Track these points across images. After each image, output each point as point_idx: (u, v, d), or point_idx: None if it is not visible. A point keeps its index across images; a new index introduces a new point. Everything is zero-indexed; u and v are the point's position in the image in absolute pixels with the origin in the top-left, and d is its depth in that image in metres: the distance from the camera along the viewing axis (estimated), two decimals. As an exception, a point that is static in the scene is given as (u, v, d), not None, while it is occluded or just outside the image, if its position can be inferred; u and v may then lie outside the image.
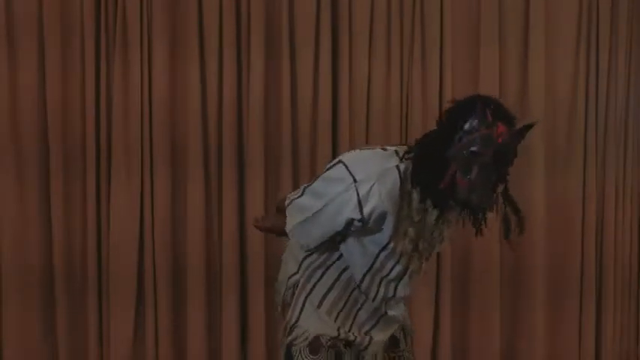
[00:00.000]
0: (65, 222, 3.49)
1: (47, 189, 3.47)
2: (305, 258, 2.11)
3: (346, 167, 1.93)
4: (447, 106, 1.90)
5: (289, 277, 2.16)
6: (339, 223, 1.94)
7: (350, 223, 1.93)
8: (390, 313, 2.11)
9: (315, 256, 2.09)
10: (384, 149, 1.99)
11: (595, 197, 3.66)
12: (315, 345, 2.06)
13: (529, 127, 1.85)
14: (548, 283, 3.67)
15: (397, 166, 1.90)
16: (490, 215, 1.91)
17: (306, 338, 2.07)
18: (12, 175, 3.45)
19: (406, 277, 2.04)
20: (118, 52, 3.43)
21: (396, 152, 1.96)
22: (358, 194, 1.89)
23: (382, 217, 1.91)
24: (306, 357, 2.07)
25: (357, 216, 1.90)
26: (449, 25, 3.54)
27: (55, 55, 3.43)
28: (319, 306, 2.09)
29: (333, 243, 2.04)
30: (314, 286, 2.10)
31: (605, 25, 3.60)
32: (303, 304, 2.11)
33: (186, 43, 3.47)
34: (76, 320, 3.54)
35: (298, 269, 2.13)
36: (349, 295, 2.08)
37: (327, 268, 2.08)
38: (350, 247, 2.02)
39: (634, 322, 3.77)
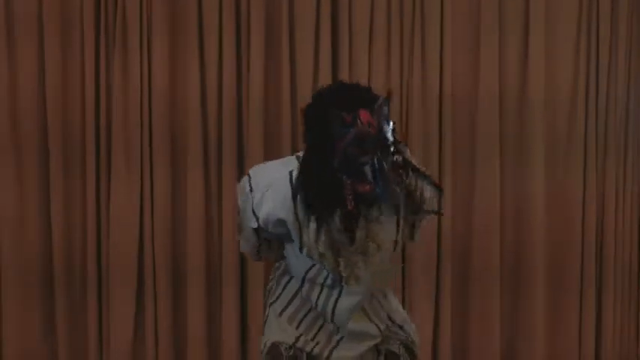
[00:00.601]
0: (65, 219, 3.48)
1: (47, 186, 3.47)
2: (275, 263, 2.13)
3: (248, 178, 1.95)
4: (301, 114, 1.85)
5: (269, 280, 2.18)
6: (251, 233, 1.98)
7: (255, 231, 1.96)
8: (337, 321, 2.02)
9: (279, 263, 2.10)
10: (293, 155, 1.97)
11: (595, 195, 3.65)
12: (273, 353, 2.01)
13: (388, 97, 1.78)
14: (549, 281, 3.66)
15: (290, 172, 1.86)
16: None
17: (265, 346, 2.05)
18: (11, 172, 3.46)
19: (347, 287, 1.95)
20: (118, 48, 3.43)
21: (297, 157, 1.92)
22: (252, 203, 1.90)
23: (281, 224, 1.89)
24: None
25: (254, 224, 1.92)
26: (449, 21, 3.55)
27: (55, 51, 3.43)
28: (281, 314, 2.05)
29: (275, 251, 2.06)
30: (280, 293, 2.08)
31: (605, 21, 3.60)
32: (268, 312, 2.11)
33: (186, 40, 3.48)
34: (76, 318, 3.53)
35: (273, 274, 2.15)
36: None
37: (292, 275, 2.06)
38: (287, 252, 2.02)
39: (634, 320, 3.75)
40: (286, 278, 2.07)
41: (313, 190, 1.78)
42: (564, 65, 3.63)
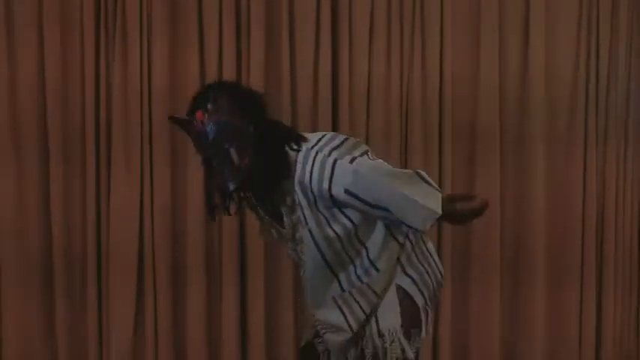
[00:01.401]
0: (65, 217, 3.49)
1: (47, 184, 3.48)
2: None
3: None
4: None
5: None
6: None
7: None
8: (316, 313, 2.17)
9: None
10: None
11: (595, 188, 3.65)
12: None
13: (218, 87, 1.92)
14: (549, 273, 3.65)
15: None
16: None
17: None
18: (11, 170, 3.46)
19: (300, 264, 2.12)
20: (118, 44, 3.43)
21: None
22: None
23: None
24: None
25: None
26: (449, 18, 3.54)
27: (55, 47, 3.44)
28: None
29: None
30: None
31: (606, 8, 3.60)
32: None
33: (186, 36, 3.48)
34: (75, 316, 3.54)
35: None
36: None
37: None
38: None
39: (634, 312, 3.76)
40: None
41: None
42: (564, 61, 3.62)
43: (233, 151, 1.86)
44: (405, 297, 2.09)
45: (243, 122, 1.88)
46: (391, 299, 2.09)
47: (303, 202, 1.93)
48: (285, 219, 2.00)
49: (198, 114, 1.88)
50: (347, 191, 1.87)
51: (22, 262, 3.50)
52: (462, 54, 3.60)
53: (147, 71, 3.46)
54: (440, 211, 1.90)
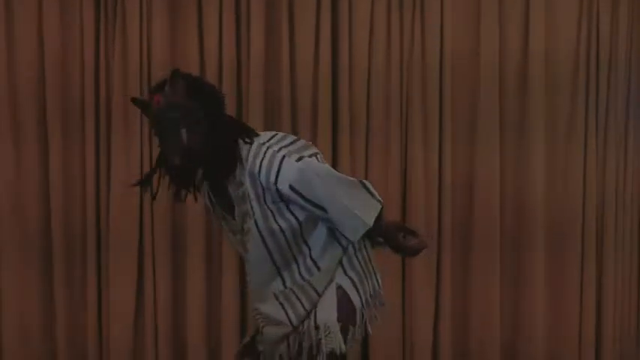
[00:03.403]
0: (64, 192, 3.49)
1: (46, 159, 3.48)
2: None
3: None
4: None
5: None
6: None
7: None
8: (258, 307, 2.23)
9: None
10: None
11: (596, 162, 3.63)
12: None
13: (171, 75, 2.01)
14: (549, 250, 3.64)
15: None
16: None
17: None
18: (9, 141, 3.46)
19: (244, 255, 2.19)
20: (118, 19, 3.43)
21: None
22: None
23: None
24: None
25: None
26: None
27: (54, 23, 3.43)
28: None
29: None
30: None
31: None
32: None
33: (186, 10, 3.47)
34: (74, 291, 3.55)
35: None
36: None
37: None
38: None
39: (635, 288, 3.77)
40: None
41: None
42: (565, 38, 3.60)
43: (183, 132, 1.97)
44: (343, 295, 2.18)
45: (195, 108, 2.00)
46: (330, 296, 2.17)
47: (252, 194, 2.03)
48: (236, 210, 2.08)
49: (156, 97, 2.00)
50: (291, 187, 1.99)
51: (21, 240, 3.50)
52: (462, 32, 3.58)
53: (146, 46, 3.44)
54: (371, 223, 2.05)
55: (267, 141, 2.04)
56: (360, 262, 2.24)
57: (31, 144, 3.47)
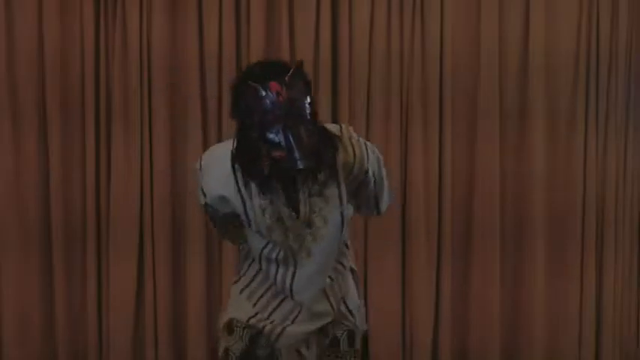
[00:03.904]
0: (64, 181, 3.49)
1: (45, 148, 3.47)
2: (239, 246, 2.20)
3: (200, 157, 2.03)
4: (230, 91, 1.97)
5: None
6: (202, 209, 2.08)
7: (205, 209, 2.05)
8: (310, 307, 2.09)
9: (242, 245, 2.16)
10: None
11: (596, 154, 3.63)
12: (228, 329, 2.14)
13: (299, 66, 1.88)
14: (549, 242, 3.65)
15: (231, 151, 1.95)
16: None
17: (223, 321, 2.15)
18: (9, 131, 3.45)
19: (300, 261, 2.03)
20: (119, 7, 3.42)
21: None
22: (201, 180, 2.00)
23: (224, 201, 1.98)
24: (224, 339, 2.14)
25: (203, 201, 2.02)
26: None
27: (54, 9, 3.42)
28: (241, 292, 2.14)
29: (234, 232, 2.10)
30: (242, 275, 2.16)
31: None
32: (230, 290, 2.20)
33: (186, 1, 3.47)
34: (74, 281, 3.55)
35: (238, 259, 2.22)
36: (271, 284, 2.10)
37: (254, 258, 2.11)
38: (248, 234, 2.07)
39: (634, 281, 3.76)
40: (249, 261, 2.14)
41: (242, 161, 1.91)
42: (565, 30, 3.60)
43: (303, 130, 1.83)
44: (355, 277, 2.23)
45: (308, 104, 1.89)
46: (350, 280, 2.20)
47: (343, 184, 1.99)
48: (301, 205, 1.96)
49: (274, 84, 1.83)
50: (373, 174, 2.00)
51: (21, 233, 3.50)
52: (463, 25, 3.58)
53: (146, 40, 3.44)
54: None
55: (346, 130, 1.97)
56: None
57: (30, 136, 3.47)
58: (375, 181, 2.01)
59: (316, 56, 3.50)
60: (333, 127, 1.99)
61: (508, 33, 3.58)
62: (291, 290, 2.06)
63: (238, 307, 2.14)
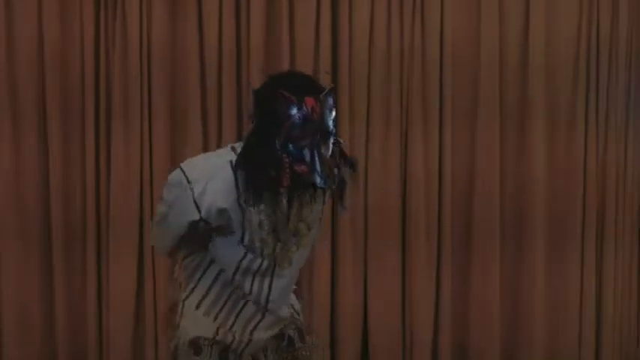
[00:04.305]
0: (63, 175, 3.48)
1: (45, 145, 3.47)
2: (184, 258, 2.11)
3: (182, 170, 1.92)
4: (251, 98, 1.92)
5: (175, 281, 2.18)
6: (183, 225, 1.94)
7: (193, 225, 1.93)
8: (276, 313, 2.09)
9: (192, 256, 2.08)
10: (228, 147, 2.00)
11: (596, 152, 3.63)
12: (194, 348, 2.06)
13: (332, 88, 1.88)
14: (549, 240, 3.65)
15: (230, 161, 1.89)
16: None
17: (185, 341, 2.07)
18: (9, 127, 3.44)
19: (279, 271, 2.02)
20: (119, 3, 3.42)
21: (233, 148, 1.96)
22: (194, 195, 1.88)
23: (222, 214, 1.90)
24: (190, 359, 2.06)
25: (196, 216, 1.90)
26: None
27: (54, 6, 3.42)
28: (197, 307, 2.06)
29: (201, 243, 2.03)
30: (194, 288, 2.08)
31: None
32: (183, 306, 2.10)
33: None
34: (74, 280, 3.54)
35: (180, 271, 2.14)
36: (230, 293, 2.05)
37: (206, 269, 2.06)
38: (217, 246, 2.00)
39: (635, 279, 3.76)
40: (199, 272, 2.07)
41: (253, 167, 1.85)
42: (565, 25, 3.60)
43: (325, 149, 1.85)
44: None
45: (333, 123, 1.89)
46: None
47: (326, 197, 2.05)
48: (292, 215, 1.94)
49: (310, 100, 1.82)
50: None
51: (21, 229, 3.49)
52: (463, 22, 3.58)
53: (146, 36, 3.44)
54: None
55: None
56: None
57: (30, 135, 3.46)
58: None
59: (316, 54, 3.49)
60: None
61: (508, 32, 3.59)
62: (267, 301, 2.05)
63: (197, 323, 2.06)
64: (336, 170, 1.88)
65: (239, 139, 3.43)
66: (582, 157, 3.62)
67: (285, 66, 3.45)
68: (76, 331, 3.56)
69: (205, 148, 3.49)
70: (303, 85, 1.86)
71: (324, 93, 1.83)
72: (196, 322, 2.06)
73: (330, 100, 1.85)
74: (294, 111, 1.80)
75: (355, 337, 3.63)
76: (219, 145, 3.48)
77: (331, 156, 1.85)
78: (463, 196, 3.63)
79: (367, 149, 3.57)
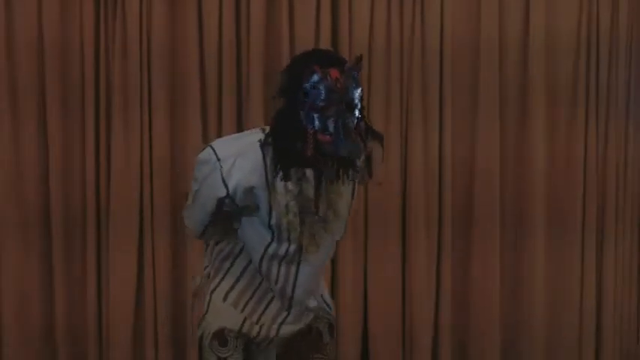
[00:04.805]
0: (63, 166, 3.48)
1: (44, 133, 3.46)
2: (214, 247, 2.14)
3: (212, 148, 1.96)
4: (281, 72, 1.93)
5: (205, 268, 2.20)
6: (212, 203, 1.97)
7: (221, 202, 1.96)
8: (303, 303, 2.10)
9: (222, 244, 2.11)
10: (258, 128, 2.03)
11: (597, 140, 3.63)
12: (219, 339, 2.09)
13: (358, 60, 1.86)
14: (549, 228, 3.65)
15: (259, 140, 1.92)
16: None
17: (209, 332, 2.10)
18: (8, 118, 3.44)
19: (305, 256, 2.03)
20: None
21: (262, 129, 1.99)
22: (222, 172, 1.92)
23: (249, 192, 1.93)
24: (215, 350, 2.09)
25: (223, 193, 1.93)
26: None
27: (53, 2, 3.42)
28: (225, 298, 2.10)
29: (230, 229, 2.06)
30: (222, 278, 2.11)
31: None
32: (210, 297, 2.13)
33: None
34: (73, 272, 3.54)
35: (210, 260, 2.17)
36: (259, 285, 2.09)
37: (236, 258, 2.09)
38: (245, 230, 2.03)
39: (635, 270, 3.77)
40: (227, 264, 2.11)
41: (280, 140, 1.87)
42: (565, 17, 3.59)
43: (351, 121, 1.84)
44: None
45: (360, 97, 1.88)
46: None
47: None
48: (321, 200, 1.96)
49: (334, 71, 1.82)
50: None
51: (20, 221, 3.48)
52: (463, 12, 3.57)
53: (146, 25, 3.42)
54: None
55: None
56: None
57: (30, 125, 3.45)
58: None
59: (316, 44, 3.46)
60: None
61: (508, 25, 3.58)
62: (293, 290, 2.06)
63: (225, 315, 2.10)
64: (362, 144, 1.86)
65: (239, 130, 3.46)
66: (583, 147, 3.62)
67: (285, 58, 3.43)
68: (75, 324, 3.56)
69: (205, 140, 3.47)
70: (328, 58, 1.87)
71: (348, 65, 1.84)
72: (223, 312, 2.09)
73: (356, 74, 1.85)
74: (318, 81, 1.81)
75: (355, 327, 3.64)
76: (219, 136, 3.46)
77: (356, 129, 1.84)
78: (463, 189, 3.63)
79: (367, 139, 3.54)
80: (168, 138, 3.50)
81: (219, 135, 3.46)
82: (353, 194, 2.05)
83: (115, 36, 3.42)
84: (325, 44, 3.47)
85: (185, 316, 3.57)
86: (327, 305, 2.23)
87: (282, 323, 2.11)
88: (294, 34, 3.49)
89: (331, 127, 1.80)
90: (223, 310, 2.09)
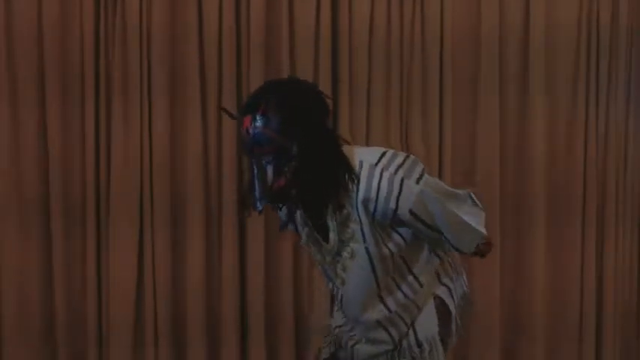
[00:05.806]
0: (62, 154, 3.45)
1: (43, 121, 3.44)
2: None
3: None
4: None
5: None
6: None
7: None
8: (357, 319, 2.12)
9: None
10: None
11: (596, 129, 3.64)
12: (327, 329, 2.33)
13: (292, 91, 1.84)
14: (549, 218, 3.66)
15: None
16: None
17: (327, 322, 2.34)
18: (7, 106, 3.42)
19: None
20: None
21: None
22: None
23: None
24: (322, 336, 2.37)
25: None
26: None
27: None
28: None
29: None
30: None
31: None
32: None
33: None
34: (73, 262, 3.51)
35: None
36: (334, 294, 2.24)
37: None
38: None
39: (636, 258, 3.77)
40: None
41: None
42: (567, 8, 3.61)
43: (270, 169, 1.81)
44: (440, 304, 2.11)
45: (287, 141, 1.79)
46: (429, 308, 2.10)
47: (364, 220, 1.90)
48: (331, 234, 1.95)
49: (246, 120, 1.80)
50: (411, 212, 1.86)
51: (19, 212, 3.46)
52: (463, 8, 3.59)
53: (146, 12, 3.42)
54: (485, 233, 1.99)
55: (378, 161, 1.86)
56: (450, 266, 2.17)
57: (29, 113, 3.43)
58: (425, 222, 1.89)
59: (317, 31, 3.49)
60: (367, 151, 1.92)
61: (508, 18, 3.59)
62: (342, 306, 2.16)
63: (335, 314, 2.27)
64: (283, 188, 1.81)
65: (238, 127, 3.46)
66: (583, 136, 3.63)
67: (284, 46, 3.46)
68: (75, 316, 3.53)
69: (205, 127, 3.49)
70: (246, 104, 1.86)
71: (262, 109, 1.78)
72: (336, 312, 2.29)
73: (283, 116, 1.77)
74: (241, 130, 1.83)
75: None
76: (219, 125, 3.50)
77: (277, 175, 1.80)
78: (463, 177, 3.61)
79: (368, 140, 3.55)
80: (168, 124, 3.48)
81: (219, 121, 3.47)
82: (363, 234, 1.94)
83: (115, 20, 3.41)
84: (325, 37, 3.48)
85: (185, 308, 3.56)
86: (417, 343, 2.09)
87: (350, 338, 2.18)
88: (294, 27, 3.50)
89: (254, 172, 1.83)
90: (336, 309, 2.30)
